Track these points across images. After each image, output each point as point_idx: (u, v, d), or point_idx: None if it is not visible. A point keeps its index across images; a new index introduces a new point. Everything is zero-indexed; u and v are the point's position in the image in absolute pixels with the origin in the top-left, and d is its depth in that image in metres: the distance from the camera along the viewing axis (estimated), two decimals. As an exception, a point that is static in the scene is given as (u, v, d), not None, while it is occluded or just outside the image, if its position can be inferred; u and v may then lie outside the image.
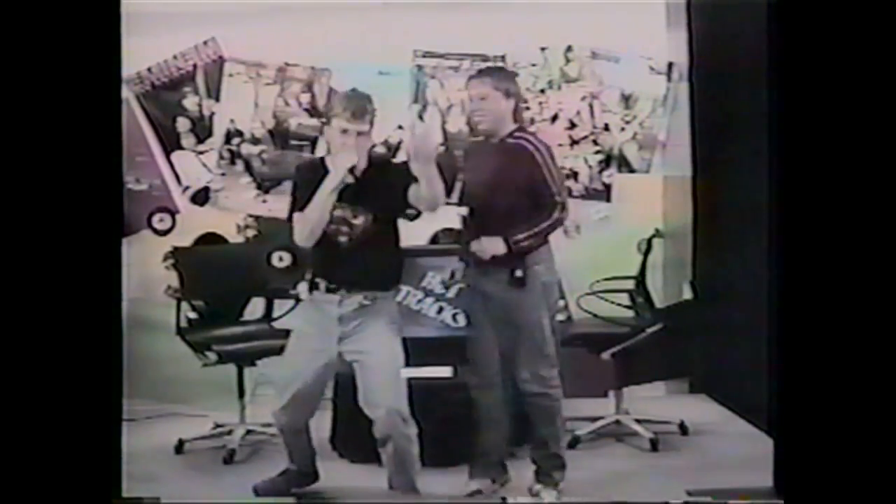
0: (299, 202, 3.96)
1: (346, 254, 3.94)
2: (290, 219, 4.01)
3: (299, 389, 4.01)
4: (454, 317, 5.10)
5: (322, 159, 4.08)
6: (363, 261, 3.92)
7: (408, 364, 4.81)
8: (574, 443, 4.81)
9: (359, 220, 3.93)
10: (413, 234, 5.68)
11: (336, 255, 3.94)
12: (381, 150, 5.75)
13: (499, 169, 4.00)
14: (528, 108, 5.70)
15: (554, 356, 4.09)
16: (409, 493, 4.07)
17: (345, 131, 3.86)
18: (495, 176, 4.01)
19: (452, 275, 4.24)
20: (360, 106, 3.89)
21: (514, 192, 3.97)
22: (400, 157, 5.76)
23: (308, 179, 3.96)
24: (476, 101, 4.05)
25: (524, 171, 3.97)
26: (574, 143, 5.83)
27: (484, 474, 4.23)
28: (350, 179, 3.88)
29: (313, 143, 5.73)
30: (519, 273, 3.97)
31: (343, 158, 3.86)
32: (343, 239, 3.94)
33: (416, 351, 4.98)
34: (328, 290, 3.97)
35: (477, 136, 4.24)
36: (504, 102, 4.01)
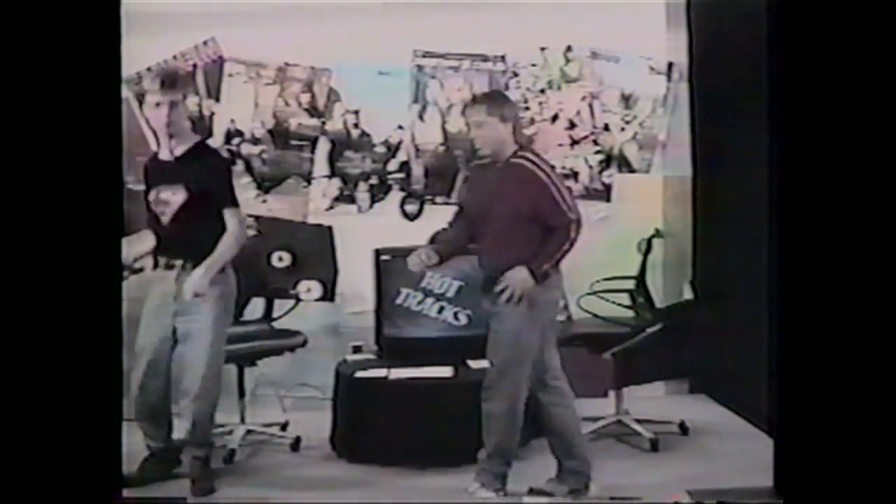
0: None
1: (171, 230, 4.15)
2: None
3: (147, 363, 4.18)
4: (455, 315, 5.10)
5: (155, 152, 4.35)
6: (187, 234, 4.11)
7: (408, 364, 4.83)
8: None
9: (177, 197, 4.12)
10: (413, 234, 5.70)
11: (165, 233, 4.17)
12: (381, 150, 5.77)
13: (504, 192, 4.00)
14: (527, 108, 5.71)
15: (517, 376, 4.02)
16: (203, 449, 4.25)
17: (157, 104, 4.08)
18: (502, 199, 4.00)
19: (421, 259, 4.21)
20: (168, 77, 4.14)
21: (524, 215, 3.96)
22: (400, 157, 5.79)
23: (147, 174, 4.27)
24: (474, 129, 4.08)
25: (530, 191, 3.96)
26: (574, 143, 5.83)
27: (491, 484, 4.16)
28: (168, 157, 4.16)
29: (313, 143, 5.73)
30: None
31: (162, 130, 4.12)
32: (165, 218, 4.14)
33: (416, 351, 5.01)
34: (167, 267, 4.18)
35: (481, 160, 4.25)
36: (501, 127, 4.02)
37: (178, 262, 4.15)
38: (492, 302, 4.02)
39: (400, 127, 5.78)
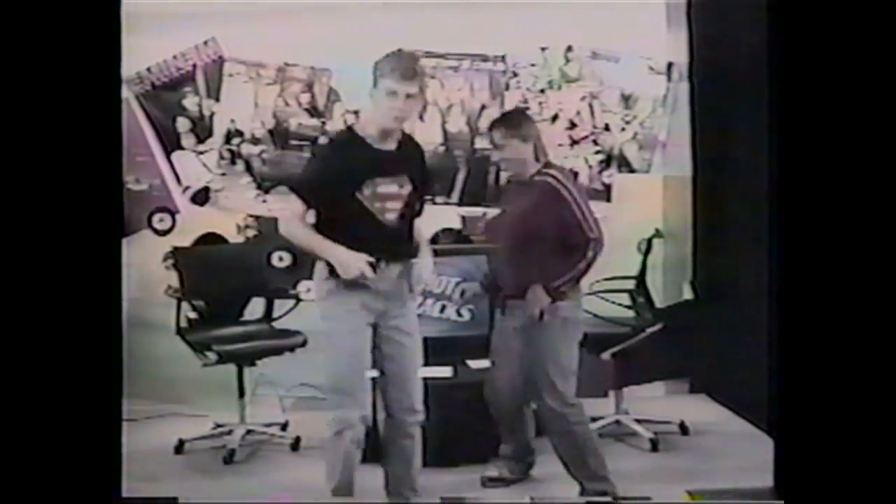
0: (322, 191, 3.67)
1: (398, 226, 3.74)
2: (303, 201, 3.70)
3: (364, 376, 3.77)
4: (458, 312, 5.10)
5: (350, 128, 3.90)
6: (409, 231, 3.79)
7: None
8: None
9: (405, 191, 3.74)
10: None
11: (388, 231, 3.71)
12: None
13: (527, 209, 4.05)
14: (527, 109, 5.71)
15: (565, 391, 4.07)
16: (410, 492, 3.97)
17: (393, 93, 3.62)
18: (524, 217, 4.06)
19: (463, 293, 4.30)
20: (408, 67, 3.67)
21: (545, 232, 4.00)
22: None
23: (350, 158, 3.70)
24: (497, 150, 4.16)
25: (553, 209, 4.01)
26: (574, 143, 5.83)
27: (506, 466, 4.28)
28: (391, 147, 3.72)
29: (313, 143, 5.73)
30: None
31: (394, 122, 3.66)
32: (392, 215, 3.71)
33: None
34: (374, 265, 3.65)
35: (511, 178, 4.37)
36: (522, 147, 4.08)
37: (392, 263, 3.72)
38: (520, 322, 4.09)
39: (400, 127, 5.78)
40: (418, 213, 3.86)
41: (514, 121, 4.21)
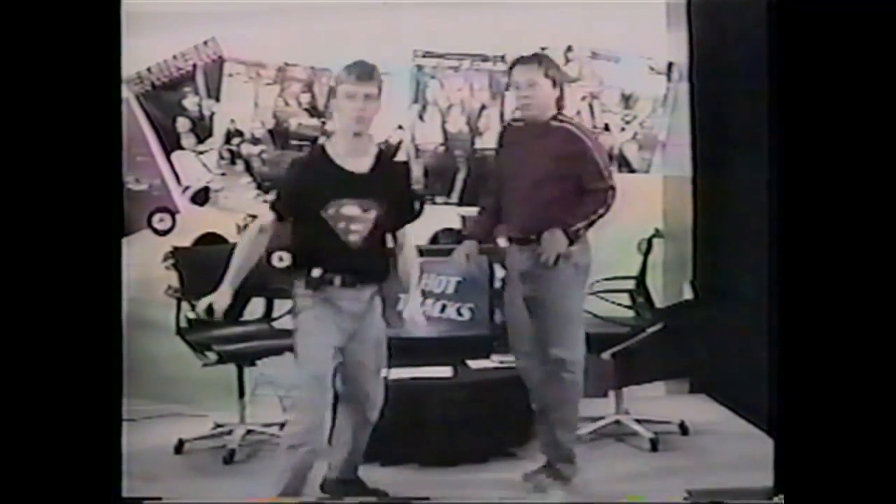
0: (292, 206, 3.82)
1: (360, 248, 3.81)
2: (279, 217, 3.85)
3: (325, 390, 3.84)
4: (459, 311, 5.10)
5: (322, 147, 3.94)
6: (375, 254, 3.86)
7: (408, 364, 4.83)
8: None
9: (370, 215, 3.82)
10: (413, 234, 5.70)
11: (350, 250, 3.80)
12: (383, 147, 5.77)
13: (547, 153, 4.00)
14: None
15: (576, 339, 4.06)
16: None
17: (351, 96, 3.74)
18: (542, 159, 4.00)
19: (467, 257, 4.25)
20: (365, 69, 3.78)
21: (565, 176, 3.97)
22: (400, 157, 5.78)
23: (317, 179, 3.82)
24: (524, 87, 4.03)
25: (573, 155, 3.98)
26: (574, 143, 5.82)
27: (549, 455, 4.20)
28: (360, 170, 3.81)
29: (313, 143, 5.73)
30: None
31: (355, 123, 3.75)
32: (355, 238, 3.80)
33: (416, 351, 5.00)
34: (343, 285, 3.81)
35: (517, 122, 4.23)
36: (550, 91, 4.04)
37: (362, 281, 3.84)
38: (527, 263, 4.04)
39: (400, 127, 5.78)
40: (391, 234, 3.92)
41: (551, 62, 4.13)
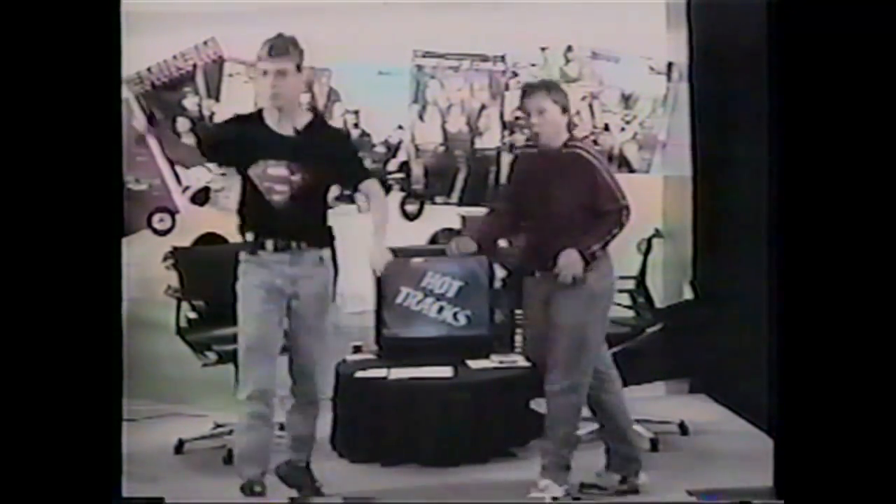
0: (219, 150, 4.02)
1: (286, 209, 3.88)
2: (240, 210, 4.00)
3: (262, 359, 3.90)
4: (455, 315, 5.11)
5: (260, 110, 3.98)
6: (306, 216, 3.91)
7: (408, 364, 4.84)
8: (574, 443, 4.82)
9: (296, 178, 3.87)
10: (413, 234, 5.71)
11: (275, 213, 3.87)
12: (381, 149, 5.77)
13: (561, 179, 4.06)
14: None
15: (585, 366, 4.06)
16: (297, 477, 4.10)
17: (265, 73, 3.82)
18: (556, 186, 4.06)
19: (457, 247, 4.28)
20: (278, 45, 3.85)
21: (580, 201, 4.02)
22: (400, 157, 5.79)
23: (245, 136, 3.89)
24: (534, 115, 4.11)
25: (585, 179, 4.03)
26: (574, 143, 5.82)
27: (550, 475, 4.14)
28: (289, 133, 3.88)
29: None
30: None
31: (270, 100, 3.83)
32: (279, 198, 3.86)
33: (416, 351, 5.01)
34: (276, 249, 3.88)
35: (529, 149, 4.33)
36: (560, 117, 4.10)
37: (294, 244, 3.88)
38: (547, 289, 4.08)
39: (400, 127, 5.78)
40: (319, 197, 3.97)
41: (559, 89, 4.19)
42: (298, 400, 4.07)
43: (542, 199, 4.09)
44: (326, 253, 3.98)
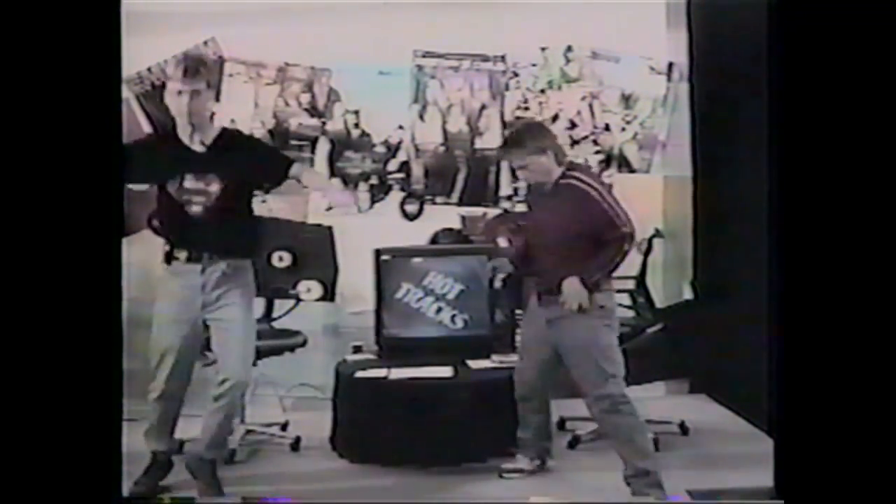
0: (151, 181, 4.10)
1: (202, 223, 4.00)
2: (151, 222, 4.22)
3: (173, 363, 4.10)
4: (452, 318, 5.11)
5: (174, 128, 4.08)
6: (220, 229, 3.99)
7: (408, 364, 4.84)
8: (574, 443, 4.83)
9: (213, 188, 3.99)
10: (413, 234, 5.71)
11: (192, 225, 4.01)
12: (381, 149, 5.77)
13: (558, 212, 4.09)
14: (527, 109, 5.71)
15: (613, 372, 4.07)
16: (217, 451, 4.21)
17: (180, 92, 3.92)
18: (556, 220, 4.10)
19: (494, 269, 4.34)
20: (191, 66, 3.96)
21: (579, 232, 4.04)
22: (400, 157, 5.79)
23: (161, 154, 4.05)
24: (519, 171, 4.19)
25: (583, 209, 4.05)
26: (574, 143, 5.83)
27: (526, 453, 4.30)
28: (200, 149, 3.99)
29: (313, 143, 5.74)
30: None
31: (186, 117, 3.94)
32: (196, 209, 3.99)
33: (416, 351, 5.01)
34: (189, 260, 4.03)
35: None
36: (543, 159, 4.11)
37: (206, 255, 4.03)
38: (552, 314, 4.12)
39: (400, 127, 5.78)
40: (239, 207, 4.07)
41: (531, 136, 4.19)
42: (217, 402, 4.13)
43: (544, 230, 4.15)
44: (244, 262, 4.09)
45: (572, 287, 4.02)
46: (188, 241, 4.04)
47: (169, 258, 4.09)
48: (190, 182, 3.99)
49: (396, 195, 5.81)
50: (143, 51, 5.39)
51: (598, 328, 4.08)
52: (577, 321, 4.06)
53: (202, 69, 3.98)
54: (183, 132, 4.03)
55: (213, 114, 4.21)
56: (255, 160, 4.11)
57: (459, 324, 5.12)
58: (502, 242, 4.46)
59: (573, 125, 5.83)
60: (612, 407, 4.05)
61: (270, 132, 5.73)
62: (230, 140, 4.12)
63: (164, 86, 5.56)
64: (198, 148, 4.01)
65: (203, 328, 4.14)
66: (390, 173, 5.79)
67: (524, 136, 4.22)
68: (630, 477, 4.08)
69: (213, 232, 4.00)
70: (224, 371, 4.09)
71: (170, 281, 4.11)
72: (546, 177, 4.14)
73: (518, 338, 5.23)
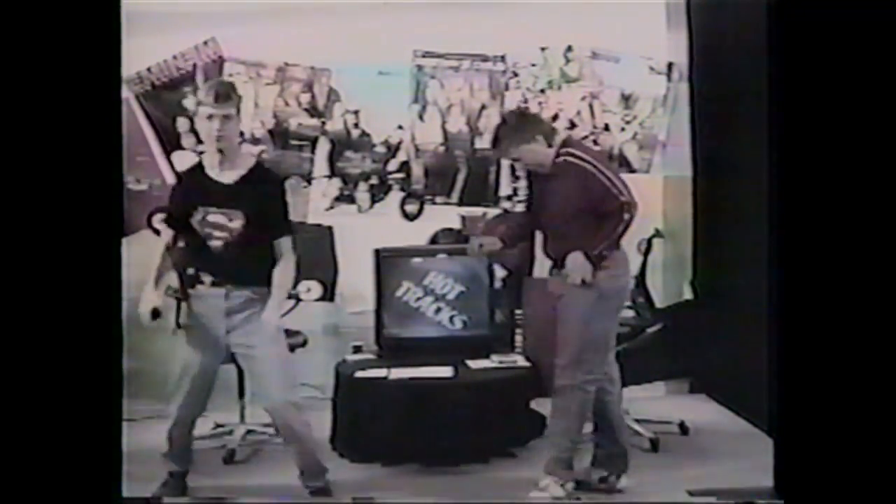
0: (178, 216, 4.04)
1: (224, 253, 3.99)
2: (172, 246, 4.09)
3: (191, 385, 4.08)
4: (451, 319, 5.11)
5: (200, 162, 4.11)
6: (243, 259, 3.97)
7: (408, 364, 4.84)
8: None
9: (235, 224, 3.97)
10: (413, 234, 5.71)
11: (214, 254, 3.99)
12: (381, 150, 5.77)
13: (557, 190, 4.08)
14: (527, 109, 5.71)
15: (594, 365, 4.08)
16: (321, 477, 4.16)
17: (210, 117, 3.91)
18: (556, 198, 4.09)
19: (480, 246, 4.32)
20: (222, 91, 3.95)
21: (580, 207, 4.02)
22: (400, 157, 5.79)
23: (189, 191, 4.05)
24: (515, 162, 4.28)
25: (581, 184, 4.03)
26: (574, 143, 5.83)
27: (551, 470, 4.17)
28: (228, 181, 3.99)
29: (313, 143, 5.73)
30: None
31: (215, 143, 3.93)
32: (217, 243, 3.97)
33: (416, 351, 5.01)
34: (213, 285, 4.01)
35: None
36: (535, 146, 4.11)
37: (229, 285, 4.01)
38: (558, 288, 4.11)
39: (400, 127, 5.78)
40: (256, 241, 3.99)
41: (516, 127, 4.19)
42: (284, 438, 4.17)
43: (547, 211, 4.14)
44: (263, 290, 4.03)
45: (575, 261, 4.00)
46: (211, 270, 4.02)
47: (192, 281, 4.04)
48: (213, 216, 3.98)
49: (396, 195, 5.80)
50: (143, 51, 5.39)
51: (596, 312, 4.04)
52: (578, 300, 4.02)
53: (233, 94, 3.96)
54: (210, 162, 4.02)
55: (241, 141, 4.18)
56: (270, 210, 4.05)
57: (459, 324, 5.12)
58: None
59: (573, 125, 5.83)
60: (575, 387, 4.04)
61: (270, 132, 5.73)
62: (261, 176, 4.09)
63: (164, 86, 5.66)
64: (225, 180, 4.00)
65: (229, 355, 4.15)
66: (390, 173, 5.79)
67: (509, 129, 4.21)
68: (550, 452, 4.11)
69: (235, 265, 3.98)
70: (262, 401, 4.15)
71: (195, 304, 4.06)
72: (542, 161, 4.12)
73: (518, 338, 5.25)
